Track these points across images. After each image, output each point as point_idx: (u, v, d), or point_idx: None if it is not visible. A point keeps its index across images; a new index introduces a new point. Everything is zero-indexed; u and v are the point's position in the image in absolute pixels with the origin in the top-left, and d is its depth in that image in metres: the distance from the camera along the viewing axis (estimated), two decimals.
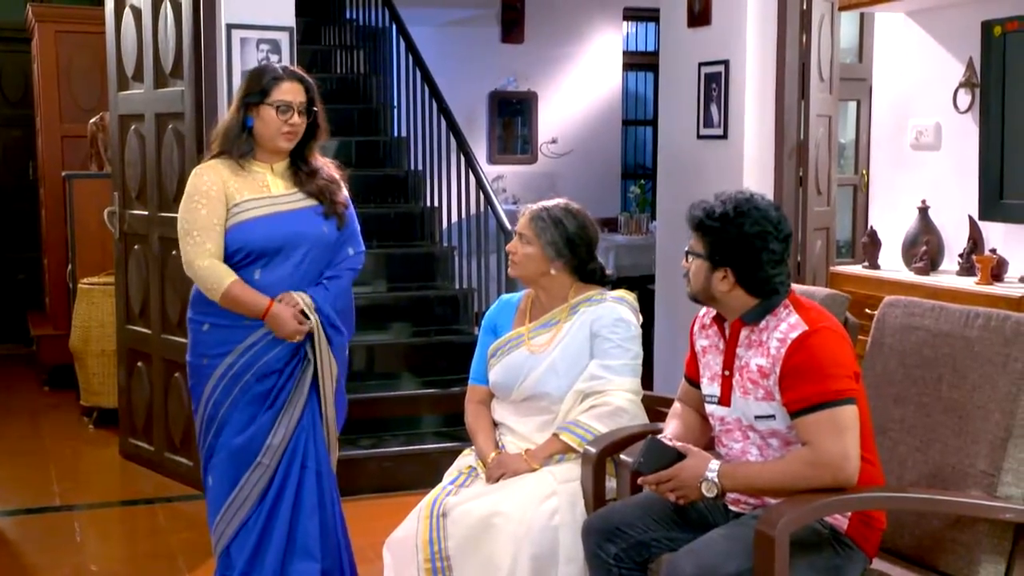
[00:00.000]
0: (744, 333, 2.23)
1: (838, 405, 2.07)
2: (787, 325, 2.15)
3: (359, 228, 2.90)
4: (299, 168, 2.77)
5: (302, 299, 2.71)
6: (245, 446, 2.69)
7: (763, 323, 2.20)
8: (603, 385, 2.67)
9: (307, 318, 2.70)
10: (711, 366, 2.31)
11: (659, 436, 2.31)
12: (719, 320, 2.31)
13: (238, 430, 2.70)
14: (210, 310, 2.71)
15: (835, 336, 2.15)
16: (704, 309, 2.38)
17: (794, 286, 2.27)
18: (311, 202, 2.75)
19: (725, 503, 2.27)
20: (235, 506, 2.71)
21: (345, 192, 2.85)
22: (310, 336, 2.73)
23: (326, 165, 2.83)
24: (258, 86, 2.70)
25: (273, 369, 2.71)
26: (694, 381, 2.41)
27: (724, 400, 2.26)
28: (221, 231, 2.67)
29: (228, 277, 2.66)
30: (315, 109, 2.75)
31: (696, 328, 2.40)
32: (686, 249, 2.26)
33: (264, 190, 2.72)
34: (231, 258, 2.69)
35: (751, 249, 2.16)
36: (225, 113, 3.86)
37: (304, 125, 2.73)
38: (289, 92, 2.70)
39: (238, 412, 2.71)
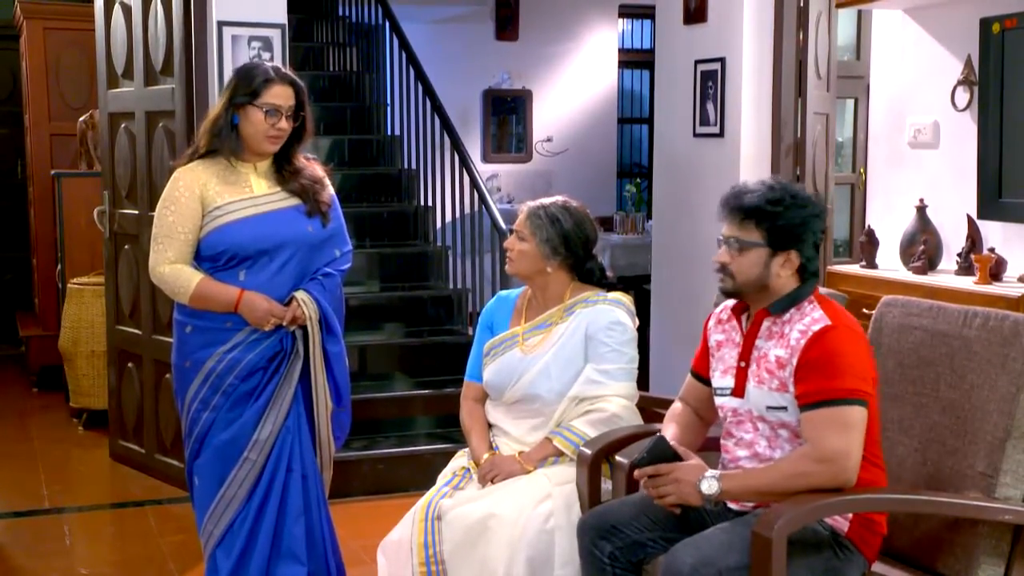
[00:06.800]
0: (766, 324, 2.22)
1: (847, 404, 2.07)
2: (810, 319, 2.15)
3: (345, 225, 2.85)
4: (281, 168, 2.72)
5: (297, 294, 2.67)
6: (231, 442, 2.66)
7: (787, 315, 2.19)
8: (599, 390, 2.64)
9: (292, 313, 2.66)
10: (726, 359, 2.29)
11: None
12: (738, 313, 2.29)
13: (223, 428, 2.67)
14: (193, 312, 2.67)
15: (855, 336, 2.14)
16: (721, 305, 2.36)
17: None
18: (294, 201, 2.71)
19: (725, 504, 2.24)
20: (223, 504, 2.68)
21: (331, 191, 2.80)
22: (302, 330, 2.68)
23: (309, 164, 2.79)
24: (248, 86, 2.63)
25: (257, 367, 2.67)
26: (702, 376, 2.39)
27: (737, 391, 2.24)
28: (187, 239, 2.64)
29: (194, 277, 2.63)
30: (303, 114, 2.69)
31: (712, 323, 2.38)
32: (734, 240, 2.18)
33: (246, 190, 2.68)
34: (215, 260, 2.65)
35: (811, 230, 2.17)
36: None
37: (290, 129, 2.68)
38: (279, 96, 2.63)
39: (224, 413, 2.67)
